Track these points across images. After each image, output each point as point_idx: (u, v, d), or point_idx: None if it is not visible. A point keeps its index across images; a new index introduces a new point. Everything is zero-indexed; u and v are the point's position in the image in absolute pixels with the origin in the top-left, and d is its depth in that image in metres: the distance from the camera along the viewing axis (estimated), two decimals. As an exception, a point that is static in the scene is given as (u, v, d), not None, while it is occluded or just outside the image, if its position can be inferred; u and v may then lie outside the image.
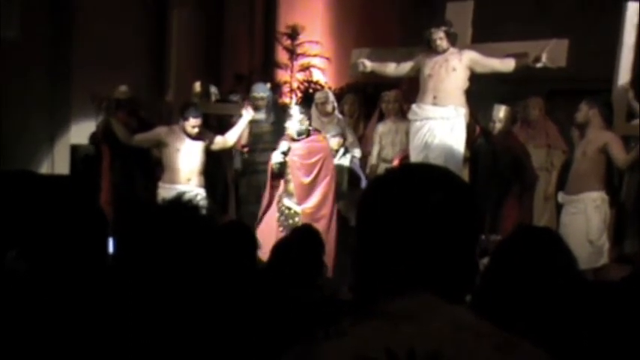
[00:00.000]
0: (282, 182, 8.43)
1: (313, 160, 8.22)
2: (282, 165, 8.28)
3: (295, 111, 8.40)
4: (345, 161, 9.10)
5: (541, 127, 9.27)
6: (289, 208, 8.29)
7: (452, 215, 1.65)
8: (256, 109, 9.31)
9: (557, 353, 1.71)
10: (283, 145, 8.25)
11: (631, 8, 8.22)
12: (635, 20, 8.23)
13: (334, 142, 8.91)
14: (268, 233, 8.07)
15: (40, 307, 2.30)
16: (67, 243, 2.44)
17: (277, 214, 8.37)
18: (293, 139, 8.24)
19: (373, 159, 9.58)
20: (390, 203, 1.66)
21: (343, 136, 9.11)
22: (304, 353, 1.64)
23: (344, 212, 8.53)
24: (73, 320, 2.24)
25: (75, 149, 11.67)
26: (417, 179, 1.69)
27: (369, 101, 10.59)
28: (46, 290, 2.35)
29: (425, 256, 1.63)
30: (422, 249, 1.63)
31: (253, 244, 5.00)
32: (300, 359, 1.64)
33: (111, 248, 2.40)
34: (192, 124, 8.86)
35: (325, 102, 9.70)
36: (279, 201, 8.39)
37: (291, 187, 8.31)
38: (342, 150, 9.09)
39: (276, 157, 8.27)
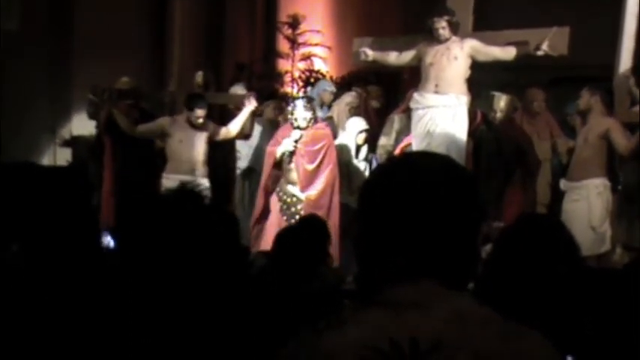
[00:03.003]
0: (282, 171, 8.47)
1: (317, 147, 8.26)
2: (291, 154, 8.31)
3: (300, 101, 8.46)
4: (364, 163, 9.02)
5: (543, 118, 9.27)
6: (293, 196, 8.32)
7: (453, 203, 1.65)
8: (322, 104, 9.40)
9: (560, 340, 1.71)
10: (296, 133, 8.25)
11: (631, -3, 8.23)
12: (635, 9, 8.22)
13: (360, 137, 8.89)
14: (276, 225, 8.17)
15: (40, 300, 2.31)
16: (62, 236, 2.45)
17: (279, 204, 8.40)
18: (298, 128, 8.28)
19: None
20: (391, 191, 1.66)
21: (368, 131, 9.02)
22: (306, 342, 1.64)
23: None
24: (74, 312, 2.25)
25: (76, 140, 11.67)
26: (419, 167, 1.69)
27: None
28: (46, 283, 2.35)
29: (427, 244, 1.63)
30: (424, 237, 1.63)
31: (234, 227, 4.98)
32: (301, 348, 1.64)
33: (112, 240, 2.41)
34: (198, 114, 8.90)
35: (358, 105, 9.66)
36: (280, 190, 8.42)
37: (292, 175, 8.34)
38: (366, 146, 9.02)
39: (288, 146, 8.27)
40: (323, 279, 5.05)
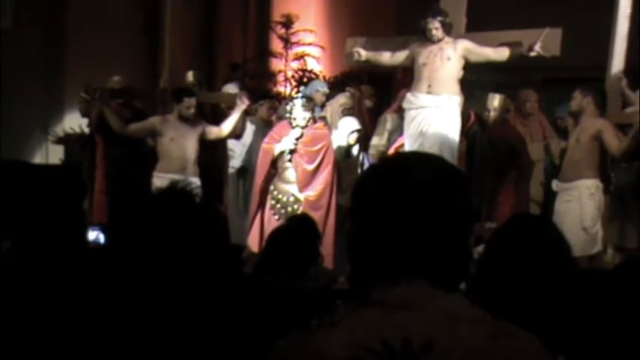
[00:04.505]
0: (277, 170, 8.44)
1: (317, 147, 8.24)
2: (291, 152, 8.28)
3: (298, 101, 8.44)
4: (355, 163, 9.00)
5: (536, 119, 9.29)
6: (291, 195, 8.28)
7: (445, 203, 1.65)
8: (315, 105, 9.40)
9: (551, 341, 1.71)
10: (296, 131, 8.23)
11: (623, -1, 8.28)
12: (628, 10, 8.25)
13: (352, 137, 8.85)
14: (268, 224, 8.17)
15: (32, 295, 2.31)
16: (53, 233, 2.44)
17: (272, 202, 8.37)
18: (298, 127, 8.26)
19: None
20: (383, 191, 1.65)
21: (360, 131, 8.97)
22: (298, 342, 1.64)
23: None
24: (65, 308, 2.24)
25: (69, 138, 11.63)
26: (411, 167, 1.69)
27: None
28: (38, 279, 2.35)
29: (418, 244, 1.63)
30: (415, 237, 1.63)
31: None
32: (293, 348, 1.64)
33: (103, 235, 2.41)
34: (187, 104, 8.87)
35: (352, 106, 9.65)
36: (275, 188, 8.38)
37: (287, 174, 8.31)
38: (357, 146, 8.98)
39: (289, 144, 8.24)
40: (314, 278, 5.06)
